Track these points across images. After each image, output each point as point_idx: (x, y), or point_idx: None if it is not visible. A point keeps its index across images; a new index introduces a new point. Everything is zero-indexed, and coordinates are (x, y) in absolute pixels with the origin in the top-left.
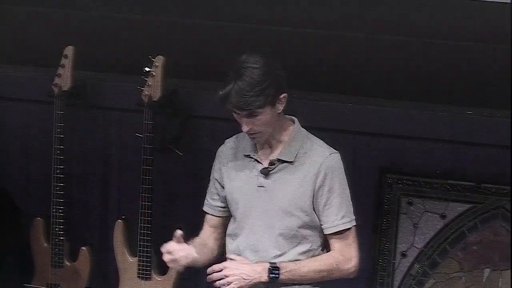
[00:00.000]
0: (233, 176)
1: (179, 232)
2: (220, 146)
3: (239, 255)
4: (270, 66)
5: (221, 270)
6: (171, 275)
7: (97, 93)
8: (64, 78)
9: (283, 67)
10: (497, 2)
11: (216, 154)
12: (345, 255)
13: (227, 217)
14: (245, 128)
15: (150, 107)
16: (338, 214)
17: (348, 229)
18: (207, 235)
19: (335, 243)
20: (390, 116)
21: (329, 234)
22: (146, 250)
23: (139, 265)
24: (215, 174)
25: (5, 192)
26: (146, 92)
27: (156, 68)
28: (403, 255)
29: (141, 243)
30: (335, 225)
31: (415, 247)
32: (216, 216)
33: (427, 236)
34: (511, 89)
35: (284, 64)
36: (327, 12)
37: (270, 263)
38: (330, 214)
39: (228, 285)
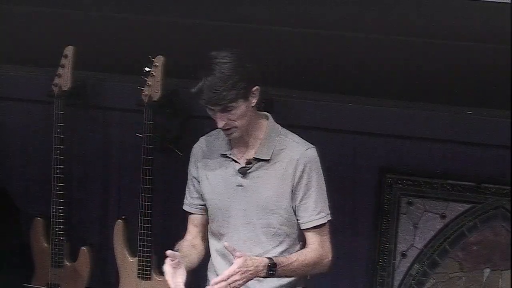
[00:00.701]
0: (210, 176)
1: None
2: (194, 145)
3: (224, 255)
4: (240, 59)
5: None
6: None
7: (97, 93)
8: (64, 78)
9: (284, 65)
10: (497, 2)
11: (192, 152)
12: (324, 249)
13: (207, 215)
14: (220, 123)
15: (150, 107)
16: (316, 209)
17: (324, 223)
18: (194, 235)
19: (312, 238)
20: (390, 116)
21: (306, 228)
22: (146, 250)
23: (139, 265)
24: (192, 172)
25: (5, 192)
26: (146, 92)
27: (156, 68)
28: (403, 255)
29: (141, 243)
30: (312, 219)
31: (415, 247)
32: (198, 214)
33: (427, 236)
34: (511, 89)
35: (284, 64)
36: (327, 12)
37: (268, 258)
38: (307, 208)
39: (236, 283)
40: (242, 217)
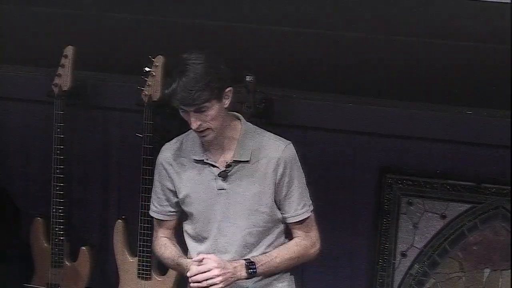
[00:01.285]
0: (188, 184)
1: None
2: (160, 154)
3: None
4: (213, 61)
5: (208, 270)
6: (171, 275)
7: (97, 93)
8: (64, 78)
9: (284, 65)
10: (497, 2)
11: (159, 163)
12: (310, 240)
13: (178, 219)
14: (194, 125)
15: (150, 107)
16: (300, 203)
17: (309, 216)
18: (169, 236)
19: (298, 231)
20: (390, 116)
21: (292, 223)
22: (146, 250)
23: (139, 265)
24: (163, 182)
25: (5, 192)
26: (146, 92)
27: (156, 68)
28: (403, 255)
29: (141, 243)
30: (297, 214)
31: (415, 247)
32: (169, 220)
33: (427, 236)
34: (511, 89)
35: (284, 64)
36: (327, 12)
37: (244, 259)
38: (291, 204)
39: (216, 284)
40: (226, 220)
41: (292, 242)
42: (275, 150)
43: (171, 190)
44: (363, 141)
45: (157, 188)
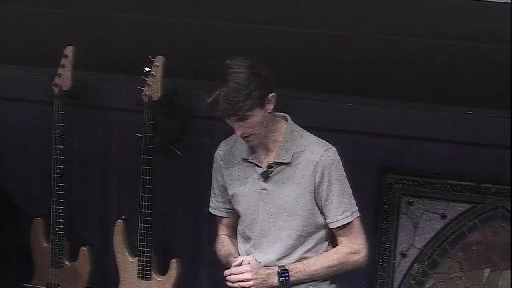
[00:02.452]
0: (235, 181)
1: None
2: (216, 150)
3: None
4: (255, 68)
5: (240, 273)
6: (171, 275)
7: (97, 93)
8: (64, 78)
9: (273, 67)
10: (497, 2)
11: (214, 159)
12: (352, 248)
13: (236, 217)
14: (238, 132)
15: (150, 107)
16: (339, 208)
17: (351, 222)
18: (229, 234)
19: (340, 237)
20: (390, 116)
21: (334, 228)
22: (146, 250)
23: (139, 265)
24: (218, 177)
25: (5, 192)
26: (146, 92)
27: (156, 68)
28: (403, 255)
29: (141, 243)
30: (336, 220)
31: (415, 247)
32: (225, 217)
33: (427, 236)
34: (511, 89)
35: (285, 64)
36: (327, 12)
37: (278, 266)
38: (331, 209)
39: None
40: (267, 221)
41: (333, 249)
42: (314, 154)
43: (223, 186)
44: (363, 141)
45: (213, 184)
